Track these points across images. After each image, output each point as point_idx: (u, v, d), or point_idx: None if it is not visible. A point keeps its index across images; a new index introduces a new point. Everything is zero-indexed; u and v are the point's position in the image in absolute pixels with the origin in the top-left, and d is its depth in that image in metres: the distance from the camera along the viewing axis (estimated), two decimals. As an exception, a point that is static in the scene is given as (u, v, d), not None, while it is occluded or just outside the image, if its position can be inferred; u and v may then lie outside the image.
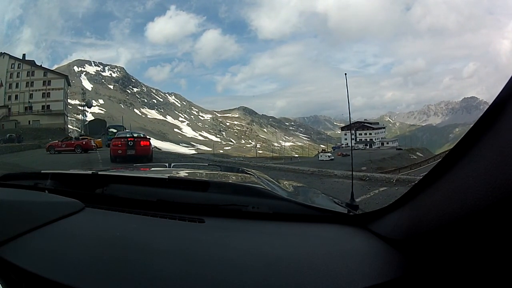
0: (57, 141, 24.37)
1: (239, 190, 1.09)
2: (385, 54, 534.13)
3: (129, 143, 13.34)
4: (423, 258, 0.64)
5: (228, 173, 1.83)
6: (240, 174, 1.67)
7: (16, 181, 1.28)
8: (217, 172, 1.93)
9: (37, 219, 0.82)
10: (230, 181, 1.39)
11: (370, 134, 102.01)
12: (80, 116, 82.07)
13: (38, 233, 0.78)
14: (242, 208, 0.98)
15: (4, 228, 0.75)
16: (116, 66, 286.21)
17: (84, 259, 0.70)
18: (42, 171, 1.29)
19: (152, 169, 2.08)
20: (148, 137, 15.18)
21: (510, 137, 0.48)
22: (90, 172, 1.23)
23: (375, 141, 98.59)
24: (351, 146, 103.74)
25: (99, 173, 1.23)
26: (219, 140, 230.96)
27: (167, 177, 1.18)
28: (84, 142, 22.93)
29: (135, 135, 14.91)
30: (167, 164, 2.04)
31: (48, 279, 0.62)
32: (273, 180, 1.41)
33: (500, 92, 0.50)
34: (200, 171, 2.00)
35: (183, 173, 1.68)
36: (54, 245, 0.76)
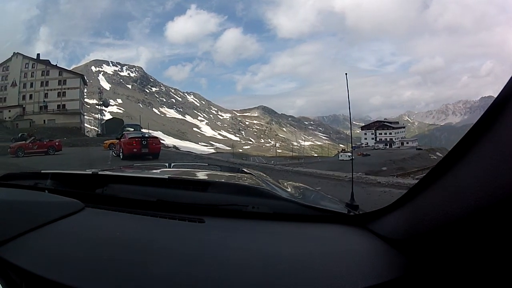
0: (24, 142, 23.14)
1: (239, 190, 1.08)
2: (403, 52, 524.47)
3: (143, 142, 14.71)
4: (423, 258, 0.64)
5: (228, 173, 1.83)
6: (240, 174, 1.67)
7: (16, 181, 1.28)
8: (217, 172, 1.92)
9: (37, 219, 0.82)
10: (230, 181, 1.38)
11: (390, 133, 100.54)
12: (98, 115, 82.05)
13: (38, 233, 0.78)
14: (242, 208, 0.97)
15: (4, 228, 0.75)
16: (134, 66, 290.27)
17: (84, 259, 0.70)
18: (42, 171, 1.30)
19: (152, 169, 2.06)
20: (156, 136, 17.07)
21: (510, 137, 0.48)
22: (90, 172, 1.23)
23: (395, 140, 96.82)
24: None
25: (99, 173, 1.23)
26: (238, 139, 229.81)
27: (167, 177, 1.18)
28: (57, 143, 23.05)
29: (147, 135, 16.33)
30: (167, 164, 2.04)
31: (48, 279, 0.62)
32: (273, 180, 1.40)
33: (500, 92, 0.50)
34: (200, 171, 1.98)
35: (183, 173, 1.70)
36: (54, 245, 0.76)
